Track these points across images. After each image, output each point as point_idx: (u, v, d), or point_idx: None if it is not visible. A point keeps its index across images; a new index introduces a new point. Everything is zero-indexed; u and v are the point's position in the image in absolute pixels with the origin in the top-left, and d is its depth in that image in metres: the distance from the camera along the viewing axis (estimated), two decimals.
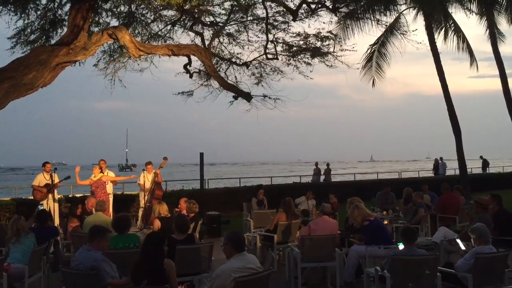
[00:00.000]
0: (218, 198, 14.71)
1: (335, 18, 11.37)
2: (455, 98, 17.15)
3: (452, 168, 23.92)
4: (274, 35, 10.07)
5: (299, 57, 10.29)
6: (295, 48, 10.22)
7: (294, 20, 9.32)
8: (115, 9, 8.81)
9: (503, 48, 21.18)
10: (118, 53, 9.86)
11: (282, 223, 7.77)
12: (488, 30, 17.43)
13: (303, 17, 9.57)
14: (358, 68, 16.30)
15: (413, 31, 25.29)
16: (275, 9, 9.51)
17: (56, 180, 10.28)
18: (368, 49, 18.02)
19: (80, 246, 5.04)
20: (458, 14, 24.84)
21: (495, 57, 17.34)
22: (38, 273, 6.04)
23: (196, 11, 8.83)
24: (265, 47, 9.90)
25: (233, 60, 10.57)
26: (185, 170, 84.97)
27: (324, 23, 11.03)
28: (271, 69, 10.70)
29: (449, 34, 17.70)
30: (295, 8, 8.95)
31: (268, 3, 9.13)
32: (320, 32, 9.89)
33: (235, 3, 8.91)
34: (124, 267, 4.72)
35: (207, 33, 9.94)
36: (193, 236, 6.11)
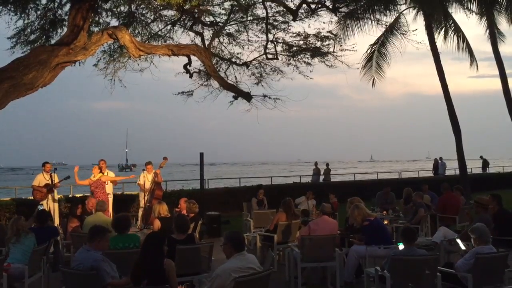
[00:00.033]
0: (218, 198, 14.70)
1: (335, 18, 11.38)
2: (455, 98, 17.15)
3: (452, 168, 23.92)
4: (274, 35, 10.07)
5: (299, 57, 10.29)
6: (295, 48, 10.22)
7: (294, 20, 9.32)
8: (115, 9, 8.81)
9: (503, 48, 21.18)
10: (118, 53, 9.87)
11: (282, 223, 7.77)
12: (488, 30, 17.43)
13: (303, 17, 9.57)
14: (358, 68, 16.34)
15: (413, 31, 25.30)
16: (275, 9, 9.52)
17: (56, 180, 10.27)
18: (368, 49, 18.03)
19: (80, 246, 5.04)
20: (458, 14, 24.88)
21: (495, 57, 17.34)
22: (38, 273, 6.04)
23: (196, 11, 8.82)
24: (265, 47, 9.90)
25: (233, 60, 10.57)
26: (185, 170, 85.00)
27: (324, 23, 11.09)
28: (271, 69, 10.71)
29: (449, 34, 17.69)
30: (295, 8, 8.95)
31: (268, 3, 9.13)
32: (320, 32, 9.90)
33: (235, 3, 8.91)
34: (124, 267, 4.72)
35: (207, 33, 9.96)
36: (193, 236, 6.11)
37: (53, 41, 8.15)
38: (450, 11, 17.52)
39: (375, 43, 17.92)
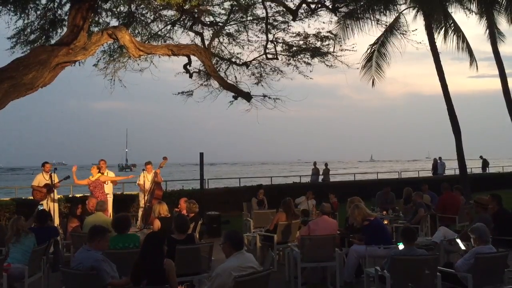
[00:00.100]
0: (218, 198, 14.70)
1: (335, 18, 11.38)
2: (455, 98, 17.14)
3: (452, 168, 23.93)
4: (274, 35, 10.09)
5: (299, 57, 10.30)
6: (295, 48, 10.23)
7: (294, 20, 9.33)
8: (115, 9, 8.82)
9: (503, 48, 21.23)
10: (118, 53, 9.87)
11: (282, 223, 7.77)
12: (488, 30, 17.42)
13: (303, 17, 9.58)
14: (358, 68, 16.34)
15: (413, 31, 25.35)
16: (275, 9, 9.53)
17: (56, 180, 10.27)
18: (368, 49, 18.01)
19: (80, 246, 5.04)
20: (458, 14, 24.90)
21: (495, 57, 17.32)
22: (38, 273, 6.04)
23: (196, 11, 8.83)
24: (265, 47, 9.91)
25: (233, 60, 10.58)
26: (185, 170, 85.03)
27: (324, 23, 11.07)
28: (271, 69, 10.72)
29: (449, 34, 17.67)
30: (295, 8, 8.96)
31: (268, 3, 9.14)
32: (320, 32, 9.92)
33: (235, 3, 8.91)
34: (124, 267, 4.72)
35: (207, 33, 9.97)
36: (193, 236, 6.11)
37: (53, 41, 8.16)
38: (450, 11, 17.52)
39: (375, 43, 17.92)
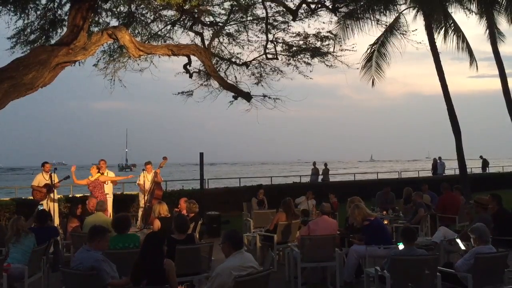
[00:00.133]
0: (218, 198, 14.70)
1: (335, 18, 11.37)
2: (455, 98, 17.13)
3: (452, 168, 23.94)
4: (274, 35, 10.08)
5: (299, 57, 10.29)
6: (295, 48, 10.23)
7: (294, 20, 9.33)
8: (115, 9, 8.82)
9: (503, 48, 21.21)
10: (118, 53, 9.87)
11: (282, 223, 7.77)
12: (488, 30, 17.41)
13: (303, 17, 9.57)
14: (357, 68, 16.31)
15: (413, 31, 25.35)
16: (275, 9, 9.52)
17: (56, 180, 10.26)
18: (368, 49, 18.00)
19: (80, 246, 5.04)
20: (458, 14, 24.87)
21: (495, 57, 17.32)
22: (38, 273, 6.04)
23: (196, 11, 8.83)
24: (265, 47, 9.91)
25: (233, 60, 10.57)
26: (185, 170, 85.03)
27: (324, 23, 11.00)
28: (271, 69, 10.71)
29: (449, 34, 17.66)
30: (295, 8, 8.95)
31: (268, 3, 9.13)
32: (320, 32, 9.91)
33: (235, 3, 8.91)
34: (124, 267, 4.72)
35: (207, 33, 9.97)
36: (193, 236, 6.11)
37: (53, 41, 8.16)
38: (450, 11, 17.51)
39: (374, 43, 17.91)
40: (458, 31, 17.69)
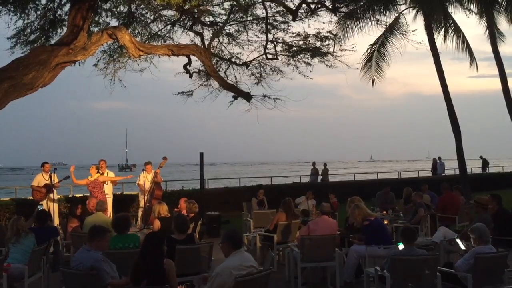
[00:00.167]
0: (218, 198, 14.70)
1: (335, 18, 11.38)
2: (455, 98, 17.14)
3: (452, 168, 23.94)
4: (274, 35, 10.07)
5: (298, 57, 10.29)
6: (295, 48, 10.22)
7: (293, 20, 9.32)
8: (115, 9, 8.82)
9: (503, 48, 21.23)
10: (118, 53, 9.87)
11: (282, 223, 7.77)
12: (488, 30, 17.42)
13: (302, 17, 9.57)
14: (357, 68, 16.31)
15: (413, 31, 25.41)
16: (275, 9, 9.52)
17: (56, 180, 10.27)
18: (367, 49, 18.01)
19: (80, 246, 5.05)
20: (458, 14, 24.85)
21: (495, 57, 17.33)
22: (38, 273, 6.04)
23: (196, 11, 8.82)
24: (265, 47, 9.90)
25: (233, 60, 10.57)
26: (185, 170, 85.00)
27: (324, 23, 10.98)
28: (271, 69, 10.71)
29: (449, 34, 17.67)
30: (295, 8, 8.95)
31: (268, 3, 9.13)
32: (320, 32, 9.90)
33: (235, 3, 8.91)
34: (124, 267, 4.72)
35: (207, 33, 9.96)
36: (193, 236, 6.11)
37: (53, 41, 8.16)
38: (450, 11, 17.51)
39: (374, 43, 17.92)
40: (458, 31, 17.69)
